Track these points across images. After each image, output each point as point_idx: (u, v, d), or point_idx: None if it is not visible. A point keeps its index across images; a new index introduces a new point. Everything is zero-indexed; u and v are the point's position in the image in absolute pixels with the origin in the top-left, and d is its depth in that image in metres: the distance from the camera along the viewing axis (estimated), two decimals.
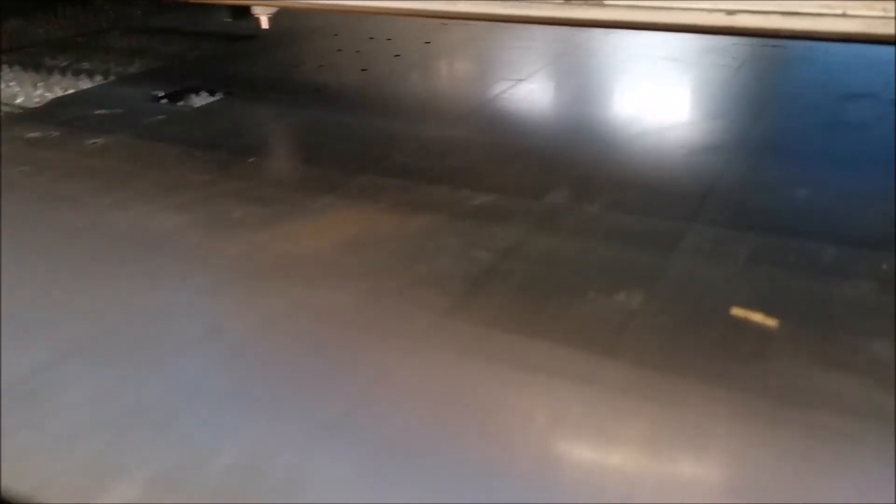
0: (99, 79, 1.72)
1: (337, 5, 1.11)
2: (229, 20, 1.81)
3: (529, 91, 1.52)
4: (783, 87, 1.50)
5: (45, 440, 0.63)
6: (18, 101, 1.61)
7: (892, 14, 0.72)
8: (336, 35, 2.01)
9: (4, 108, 1.56)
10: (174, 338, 0.77)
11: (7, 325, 0.79)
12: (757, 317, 0.79)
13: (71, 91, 1.65)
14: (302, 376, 0.71)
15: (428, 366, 0.72)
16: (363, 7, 1.12)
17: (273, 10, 1.33)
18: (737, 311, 0.80)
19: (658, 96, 1.47)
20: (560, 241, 0.93)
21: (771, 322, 0.78)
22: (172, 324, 0.79)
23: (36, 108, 1.52)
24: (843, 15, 0.73)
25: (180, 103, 1.54)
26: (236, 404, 0.67)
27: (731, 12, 0.78)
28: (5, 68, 1.80)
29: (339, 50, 1.87)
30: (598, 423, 0.64)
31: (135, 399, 0.68)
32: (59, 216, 1.04)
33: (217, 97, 1.55)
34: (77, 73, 1.76)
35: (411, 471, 0.60)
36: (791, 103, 1.40)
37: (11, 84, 1.68)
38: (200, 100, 1.56)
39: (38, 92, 1.63)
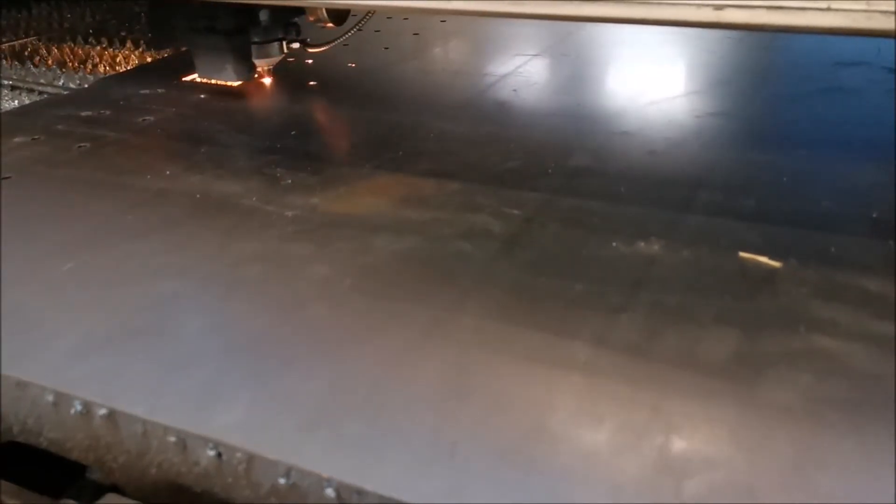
0: (135, 61, 1.81)
1: (337, 4, 1.16)
2: None
3: (544, 65, 1.62)
4: (784, 56, 1.62)
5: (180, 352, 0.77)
6: (60, 82, 1.70)
7: (875, 8, 0.75)
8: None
9: (49, 90, 1.66)
10: (265, 276, 0.90)
11: (127, 265, 0.93)
12: (762, 259, 0.91)
13: (111, 73, 1.74)
14: (383, 307, 0.84)
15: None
16: (360, 4, 1.19)
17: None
18: (744, 255, 0.92)
19: (670, 67, 1.58)
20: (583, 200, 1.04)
21: (775, 264, 0.89)
22: (260, 266, 0.92)
23: (82, 89, 1.62)
24: (828, 9, 0.76)
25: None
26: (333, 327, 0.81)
27: (718, 7, 0.80)
28: (42, 51, 1.89)
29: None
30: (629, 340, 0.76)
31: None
32: (131, 183, 1.14)
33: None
34: (114, 56, 1.85)
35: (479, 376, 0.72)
36: (791, 70, 1.52)
37: (53, 67, 1.78)
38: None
39: (80, 74, 1.72)
